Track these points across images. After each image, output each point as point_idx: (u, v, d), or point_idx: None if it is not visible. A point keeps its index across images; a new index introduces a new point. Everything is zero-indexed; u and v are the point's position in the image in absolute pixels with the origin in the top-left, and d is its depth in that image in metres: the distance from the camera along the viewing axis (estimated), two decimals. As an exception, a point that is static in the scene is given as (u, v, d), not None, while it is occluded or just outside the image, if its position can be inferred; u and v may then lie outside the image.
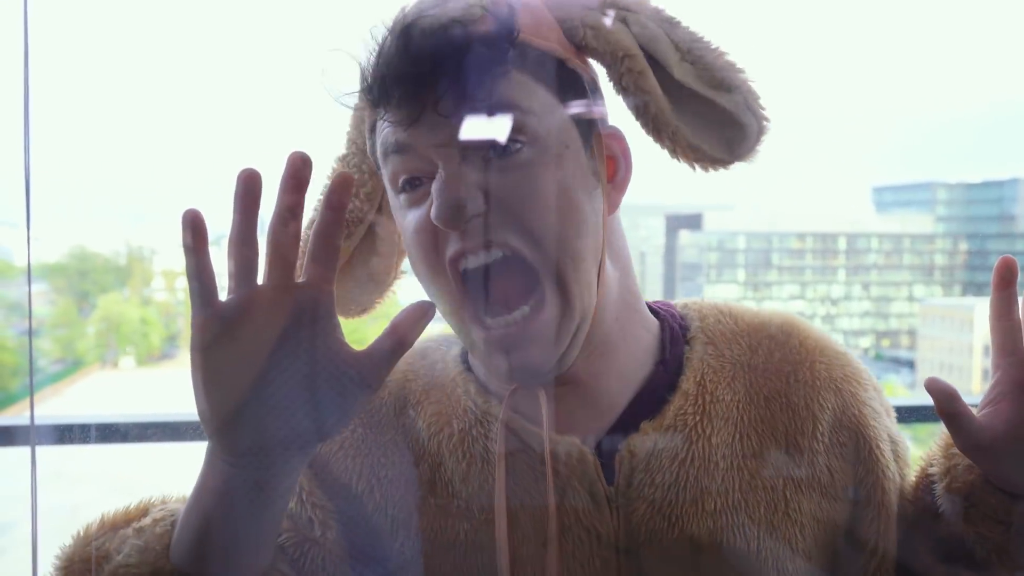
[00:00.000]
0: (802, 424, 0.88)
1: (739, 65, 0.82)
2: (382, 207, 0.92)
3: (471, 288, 0.79)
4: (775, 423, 0.87)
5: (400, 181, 0.80)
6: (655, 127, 0.81)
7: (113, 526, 0.80)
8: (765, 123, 0.83)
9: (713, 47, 0.82)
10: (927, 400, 0.81)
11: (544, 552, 0.83)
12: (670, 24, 0.82)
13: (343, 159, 0.90)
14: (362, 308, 0.94)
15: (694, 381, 0.88)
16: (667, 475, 0.84)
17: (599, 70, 0.85)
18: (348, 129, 0.90)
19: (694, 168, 0.84)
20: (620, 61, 0.80)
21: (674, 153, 0.82)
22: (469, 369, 0.92)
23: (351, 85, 0.83)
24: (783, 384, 0.89)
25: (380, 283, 0.95)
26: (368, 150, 0.85)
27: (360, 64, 0.80)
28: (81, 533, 0.81)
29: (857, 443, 0.89)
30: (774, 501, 0.85)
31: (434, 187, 0.76)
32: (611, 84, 0.83)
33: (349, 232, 0.88)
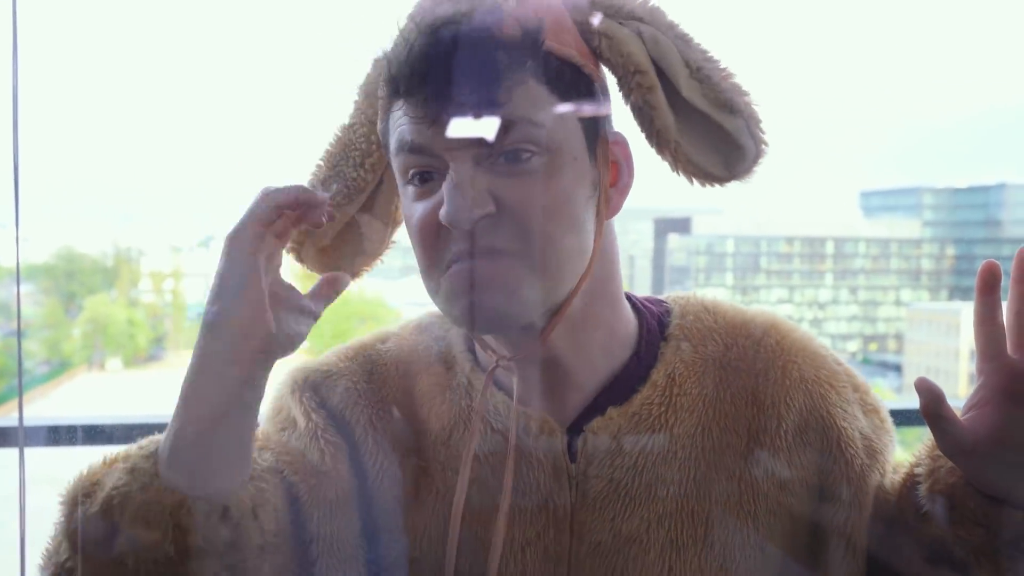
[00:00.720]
0: (766, 421, 0.90)
1: (744, 88, 0.85)
2: (372, 208, 0.95)
3: (461, 274, 0.83)
4: (739, 418, 0.90)
5: (410, 174, 0.83)
6: (658, 141, 0.84)
7: (113, 463, 0.83)
8: (763, 147, 0.86)
9: (722, 67, 0.85)
10: (914, 404, 0.81)
11: (508, 516, 0.88)
12: (683, 41, 0.85)
13: (350, 127, 0.92)
14: (350, 276, 0.97)
15: (664, 374, 0.91)
16: (626, 459, 0.88)
17: (609, 74, 0.88)
18: (356, 98, 0.92)
19: (692, 182, 0.87)
20: (631, 75, 0.83)
21: (674, 166, 0.86)
22: (468, 349, 0.96)
23: (358, 69, 0.87)
24: (752, 381, 0.92)
25: (362, 266, 0.99)
26: (379, 128, 0.88)
27: (387, 54, 0.83)
28: (84, 472, 0.83)
29: (823, 442, 0.91)
30: (727, 492, 0.89)
31: (445, 188, 0.79)
32: (619, 92, 0.86)
33: (351, 199, 0.92)
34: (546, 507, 0.89)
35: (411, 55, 0.79)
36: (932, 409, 0.79)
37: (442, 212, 0.79)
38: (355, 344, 1.01)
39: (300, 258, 0.94)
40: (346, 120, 0.93)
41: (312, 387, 0.96)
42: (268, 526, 0.84)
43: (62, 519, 0.81)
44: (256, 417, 0.84)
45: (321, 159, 0.93)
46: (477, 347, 0.95)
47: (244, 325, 0.79)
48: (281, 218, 0.82)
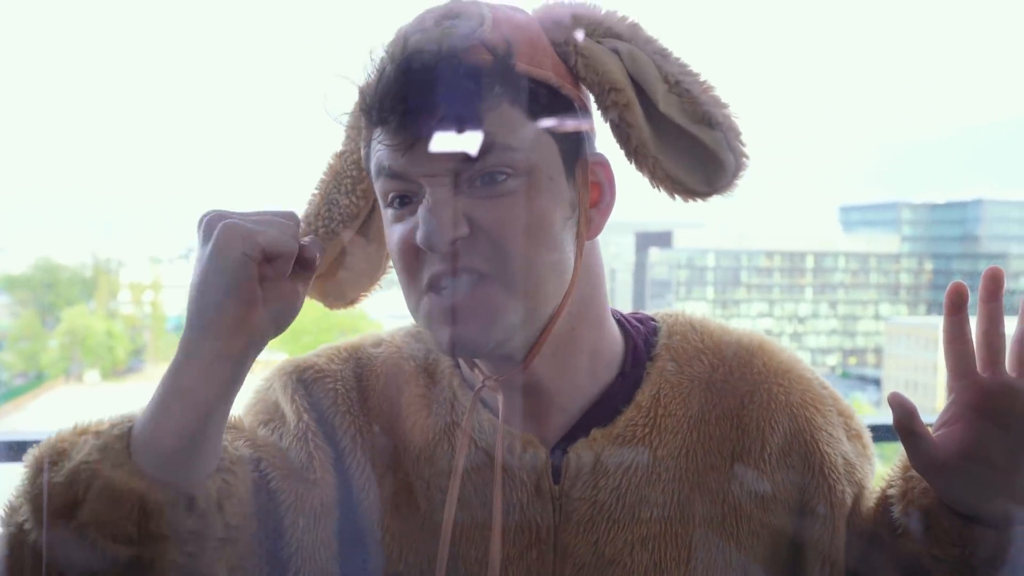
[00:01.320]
0: (750, 444, 0.91)
1: (723, 100, 0.85)
2: (367, 233, 0.96)
3: (443, 300, 0.83)
4: (723, 441, 0.91)
5: (390, 197, 0.84)
6: (636, 157, 0.85)
7: (83, 433, 0.82)
8: (744, 160, 0.86)
9: (701, 80, 0.85)
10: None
11: (488, 534, 0.88)
12: (661, 56, 0.85)
13: (341, 155, 0.93)
14: (350, 301, 0.99)
15: (649, 395, 0.91)
16: (610, 480, 0.88)
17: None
18: (347, 127, 0.93)
19: (673, 197, 0.87)
20: (607, 93, 0.83)
21: (654, 182, 0.86)
22: (455, 363, 0.96)
23: (347, 98, 0.88)
24: (737, 403, 0.92)
25: (364, 284, 0.99)
26: (362, 154, 0.89)
27: (359, 85, 0.84)
28: (53, 437, 0.82)
29: (806, 466, 0.91)
30: (711, 514, 0.89)
31: (421, 212, 0.80)
32: (598, 111, 0.86)
33: (345, 225, 0.92)
34: (529, 526, 0.89)
35: (382, 84, 0.79)
36: (905, 424, 0.80)
37: (418, 235, 0.79)
38: (347, 346, 1.00)
39: None
40: (339, 147, 0.93)
41: (304, 386, 0.96)
42: (232, 519, 0.83)
43: (25, 481, 0.80)
44: (231, 407, 0.83)
45: (316, 188, 0.93)
46: (463, 363, 0.94)
47: (237, 322, 0.78)
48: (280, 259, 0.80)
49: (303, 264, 0.83)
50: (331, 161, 0.94)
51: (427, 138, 0.79)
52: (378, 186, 0.85)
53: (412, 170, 0.80)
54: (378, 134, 0.82)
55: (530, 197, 0.81)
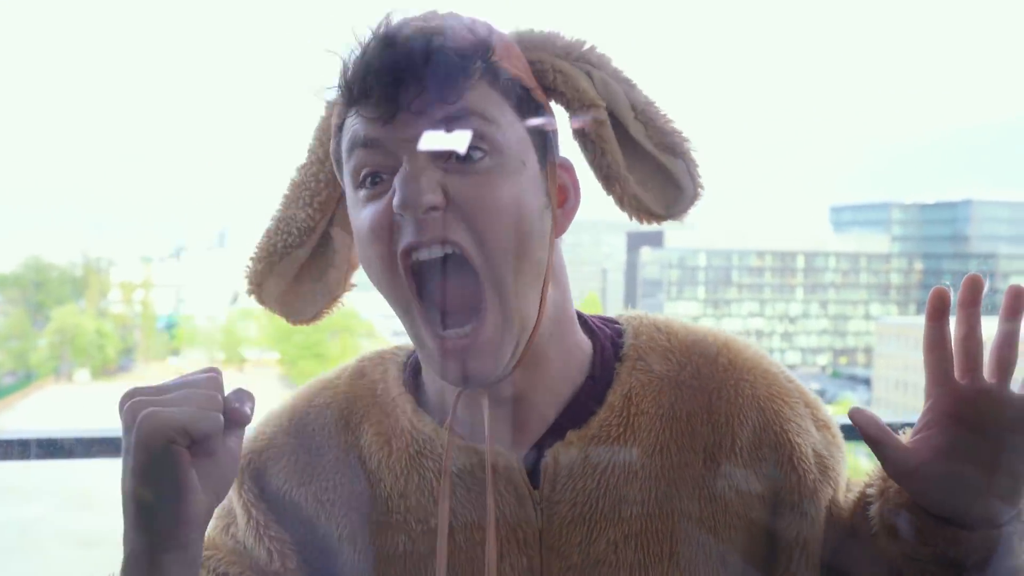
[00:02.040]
0: (721, 439, 0.92)
1: (684, 134, 0.90)
2: (338, 218, 0.96)
3: (420, 282, 0.83)
4: (695, 437, 0.92)
5: (362, 175, 0.84)
6: (606, 174, 0.89)
7: None
8: (700, 190, 0.91)
9: (663, 112, 0.90)
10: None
11: (478, 554, 0.88)
12: (628, 85, 0.90)
13: (301, 168, 0.95)
14: (311, 317, 0.98)
15: (621, 395, 0.93)
16: (588, 481, 0.89)
17: (559, 112, 0.92)
18: (310, 141, 0.95)
19: (630, 219, 0.91)
20: (585, 109, 0.88)
21: (620, 202, 0.90)
22: (407, 390, 0.97)
23: (331, 82, 0.88)
24: (706, 400, 0.93)
25: (332, 293, 0.99)
26: (331, 150, 0.89)
27: (342, 60, 0.85)
28: None
29: (777, 458, 0.93)
30: (689, 509, 0.91)
31: (397, 178, 0.80)
32: (570, 128, 0.90)
33: (302, 240, 0.94)
34: (514, 532, 0.90)
35: (365, 56, 0.82)
36: (872, 435, 0.83)
37: (395, 200, 0.80)
38: (288, 410, 1.00)
39: (261, 299, 0.96)
40: (302, 161, 0.95)
41: (252, 475, 0.96)
42: None
43: None
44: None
45: (280, 205, 0.95)
46: (425, 377, 0.96)
47: (174, 514, 0.76)
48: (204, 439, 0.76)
49: (234, 420, 0.78)
50: (294, 175, 0.95)
51: (407, 109, 0.80)
52: (350, 164, 0.84)
53: (389, 140, 0.81)
54: (354, 112, 0.83)
55: (505, 178, 0.82)
